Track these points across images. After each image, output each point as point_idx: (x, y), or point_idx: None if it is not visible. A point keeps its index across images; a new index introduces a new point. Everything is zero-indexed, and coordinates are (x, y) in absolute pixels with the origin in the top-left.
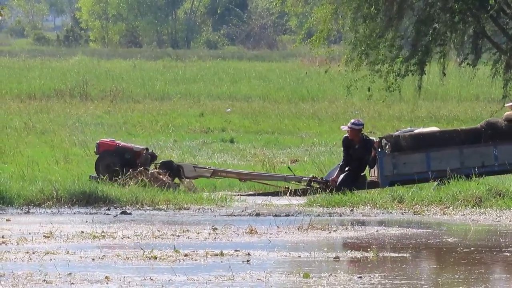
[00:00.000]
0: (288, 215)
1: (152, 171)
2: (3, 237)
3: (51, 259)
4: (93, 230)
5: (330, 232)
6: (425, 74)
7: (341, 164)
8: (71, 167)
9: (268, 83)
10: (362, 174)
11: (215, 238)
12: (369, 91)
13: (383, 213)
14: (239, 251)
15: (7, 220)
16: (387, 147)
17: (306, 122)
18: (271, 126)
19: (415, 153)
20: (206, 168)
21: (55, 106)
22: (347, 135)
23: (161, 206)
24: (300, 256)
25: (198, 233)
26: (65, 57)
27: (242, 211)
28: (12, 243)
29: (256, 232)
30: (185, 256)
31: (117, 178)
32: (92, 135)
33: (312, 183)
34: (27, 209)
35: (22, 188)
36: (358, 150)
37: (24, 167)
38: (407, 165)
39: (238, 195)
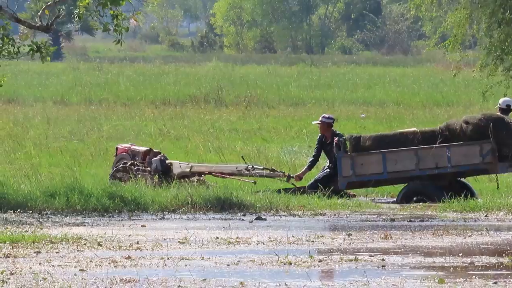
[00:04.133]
0: (423, 221)
1: (138, 166)
2: (138, 243)
3: (186, 265)
4: (228, 236)
5: (464, 238)
6: None
7: (311, 160)
8: None
9: (403, 88)
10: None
11: (349, 243)
12: (505, 96)
13: None
14: (373, 256)
15: (142, 226)
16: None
17: None
18: None
19: (372, 154)
20: (187, 165)
21: (190, 112)
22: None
23: (296, 212)
24: (434, 262)
25: (333, 239)
26: (199, 63)
27: (377, 216)
28: (147, 249)
29: (391, 237)
30: (319, 261)
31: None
32: (226, 141)
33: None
34: (162, 215)
35: (157, 194)
36: (330, 146)
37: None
38: (364, 166)
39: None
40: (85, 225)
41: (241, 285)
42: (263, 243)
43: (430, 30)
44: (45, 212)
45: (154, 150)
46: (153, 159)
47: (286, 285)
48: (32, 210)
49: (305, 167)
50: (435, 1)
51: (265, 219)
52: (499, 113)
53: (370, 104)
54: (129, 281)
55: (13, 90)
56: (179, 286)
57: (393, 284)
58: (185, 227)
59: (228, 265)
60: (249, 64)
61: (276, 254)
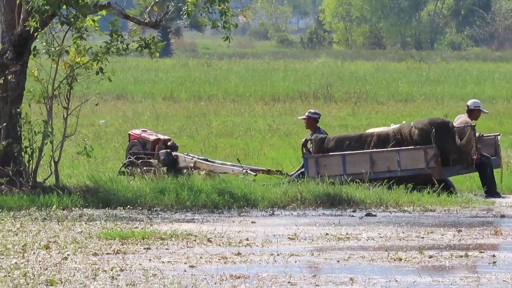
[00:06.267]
0: None
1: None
2: (247, 239)
3: (295, 261)
4: (337, 232)
5: None
6: None
7: None
8: None
9: None
10: None
11: (459, 239)
12: None
13: None
14: (484, 252)
15: (252, 222)
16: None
17: None
18: None
19: (334, 156)
20: (191, 159)
21: (299, 108)
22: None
23: (406, 208)
24: None
25: (443, 235)
26: (308, 59)
27: (487, 212)
28: (257, 245)
29: (501, 233)
30: (429, 257)
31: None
32: None
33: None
34: (271, 211)
35: (266, 190)
36: None
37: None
38: (327, 167)
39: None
40: (195, 222)
41: (351, 281)
42: (373, 239)
43: None
44: (154, 208)
45: (164, 137)
46: (160, 151)
47: (396, 281)
48: (141, 207)
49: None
50: None
51: (375, 215)
52: (465, 115)
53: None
54: (238, 277)
55: (122, 87)
56: (289, 282)
57: (503, 280)
58: (295, 223)
59: (338, 261)
60: (358, 60)
61: (386, 250)
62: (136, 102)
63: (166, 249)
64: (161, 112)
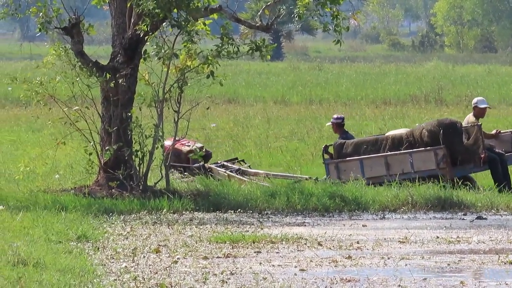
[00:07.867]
0: None
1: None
2: (358, 242)
3: (406, 264)
4: (448, 235)
5: None
6: None
7: None
8: None
9: None
10: None
11: None
12: None
13: None
14: None
15: (363, 225)
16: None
17: None
18: None
19: (352, 160)
20: (224, 172)
21: (410, 112)
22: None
23: None
24: None
25: None
26: (420, 62)
27: None
28: (367, 249)
29: None
30: None
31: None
32: None
33: None
34: (382, 215)
35: (377, 193)
36: None
37: None
38: (347, 172)
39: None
40: (305, 225)
41: (461, 285)
42: (483, 242)
43: None
44: (265, 212)
45: (196, 145)
46: (194, 165)
47: (507, 284)
48: (252, 210)
49: None
50: None
51: (485, 219)
52: (471, 114)
53: None
54: (349, 281)
55: (234, 90)
56: (399, 286)
57: None
58: (406, 227)
59: (448, 264)
60: (470, 64)
61: (497, 253)
62: (247, 105)
63: (277, 252)
64: (272, 116)
